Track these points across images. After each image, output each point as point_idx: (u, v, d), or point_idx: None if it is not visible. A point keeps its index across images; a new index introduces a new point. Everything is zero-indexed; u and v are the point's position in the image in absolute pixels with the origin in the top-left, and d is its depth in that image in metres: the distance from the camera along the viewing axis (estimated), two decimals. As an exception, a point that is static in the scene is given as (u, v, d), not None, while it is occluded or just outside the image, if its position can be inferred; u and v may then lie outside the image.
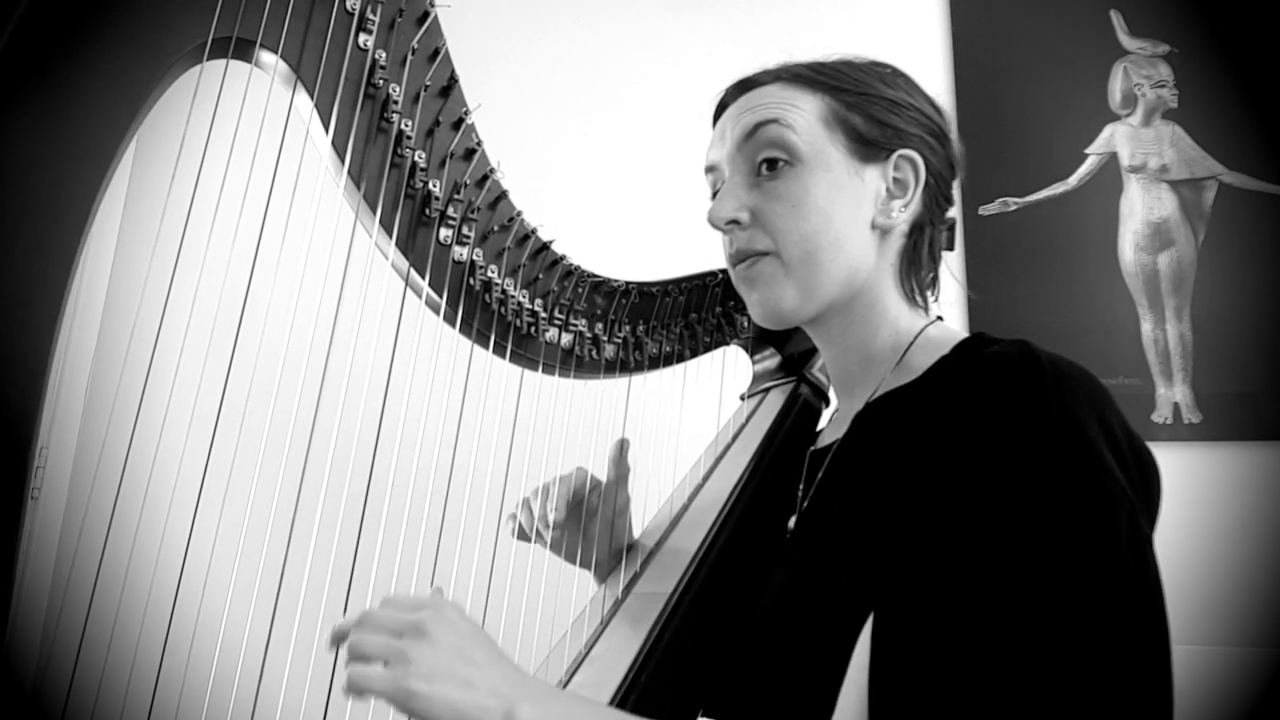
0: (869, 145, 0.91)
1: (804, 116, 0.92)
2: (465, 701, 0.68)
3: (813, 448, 1.02)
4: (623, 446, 1.12)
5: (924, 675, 0.65)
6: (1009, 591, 0.64)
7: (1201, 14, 1.96)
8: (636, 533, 1.14)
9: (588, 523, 1.12)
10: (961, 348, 0.84)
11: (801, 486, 0.97)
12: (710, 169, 0.99)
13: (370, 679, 0.69)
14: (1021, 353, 0.74)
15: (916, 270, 0.96)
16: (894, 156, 0.92)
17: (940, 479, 0.71)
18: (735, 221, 0.93)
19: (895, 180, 0.92)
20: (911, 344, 0.92)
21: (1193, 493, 1.69)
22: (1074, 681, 0.62)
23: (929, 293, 0.99)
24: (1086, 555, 0.65)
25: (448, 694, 0.68)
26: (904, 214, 0.92)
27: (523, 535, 1.12)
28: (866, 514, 0.79)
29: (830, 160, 0.91)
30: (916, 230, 0.95)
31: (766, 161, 0.92)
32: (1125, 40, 1.98)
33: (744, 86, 0.98)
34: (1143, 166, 1.92)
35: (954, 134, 0.98)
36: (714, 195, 1.01)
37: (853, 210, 0.91)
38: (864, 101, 0.92)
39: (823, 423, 1.11)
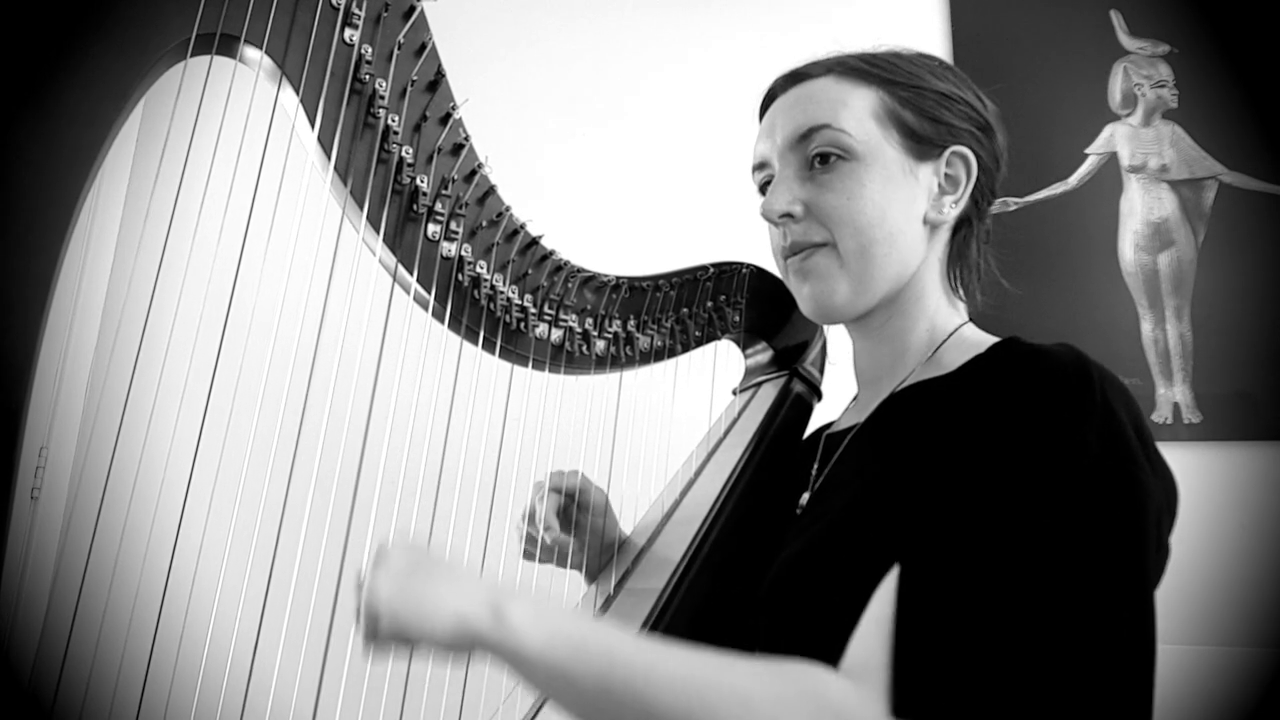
0: (922, 142, 0.91)
1: (856, 115, 0.91)
2: (437, 601, 0.67)
3: (829, 431, 1.02)
4: (564, 477, 1.13)
5: (948, 633, 0.66)
6: (1042, 568, 0.66)
7: (1201, 14, 1.95)
8: (628, 528, 1.14)
9: (576, 534, 1.12)
10: (1000, 347, 0.85)
11: (816, 466, 0.98)
12: (760, 165, 0.99)
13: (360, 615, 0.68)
14: (1072, 352, 0.76)
15: (964, 265, 0.97)
16: (947, 153, 0.92)
17: (982, 455, 0.73)
18: (789, 215, 0.93)
19: (947, 176, 0.92)
20: (946, 340, 0.93)
21: (1193, 493, 1.65)
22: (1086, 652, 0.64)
23: (972, 285, 0.99)
24: (1119, 536, 0.68)
25: (416, 595, 0.68)
26: (955, 210, 0.93)
27: (531, 558, 1.13)
28: (893, 483, 0.80)
29: (885, 157, 0.91)
30: (964, 225, 0.96)
31: (819, 155, 0.92)
32: (1125, 40, 1.97)
33: (794, 79, 0.97)
34: (1143, 166, 1.91)
35: (1000, 127, 0.97)
36: (761, 190, 1.01)
37: (907, 206, 0.91)
38: (916, 96, 0.92)
39: (833, 412, 1.11)
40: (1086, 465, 0.69)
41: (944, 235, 0.95)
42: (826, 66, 0.95)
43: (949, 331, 0.94)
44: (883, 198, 0.90)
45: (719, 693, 0.64)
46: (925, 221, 0.92)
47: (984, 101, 0.97)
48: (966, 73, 0.98)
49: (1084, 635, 0.64)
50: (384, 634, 0.67)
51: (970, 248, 0.97)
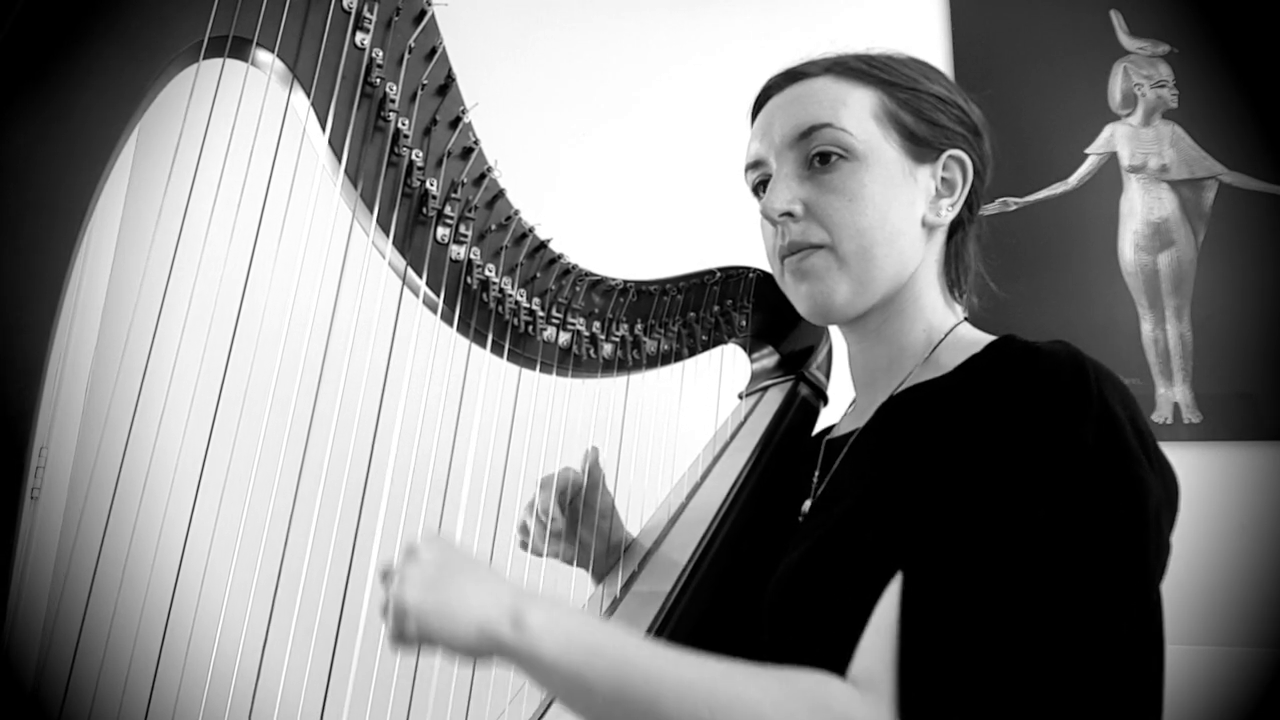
0: (921, 145, 0.92)
1: (857, 115, 0.91)
2: (462, 607, 0.69)
3: (829, 436, 1.02)
4: (592, 455, 1.12)
5: (954, 639, 0.66)
6: (1044, 568, 0.66)
7: (1201, 14, 1.95)
8: (634, 531, 1.14)
9: (579, 528, 1.12)
10: (995, 346, 0.85)
11: (817, 473, 0.98)
12: (755, 164, 0.98)
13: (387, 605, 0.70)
14: (1067, 350, 0.77)
15: (961, 266, 0.98)
16: (944, 156, 0.93)
17: (980, 456, 0.73)
18: (789, 214, 0.92)
19: (944, 180, 0.93)
20: (942, 340, 0.93)
21: (1193, 493, 1.66)
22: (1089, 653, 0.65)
23: (968, 286, 1.00)
24: (1120, 534, 0.68)
25: (443, 600, 0.69)
26: (951, 212, 0.93)
27: (535, 551, 1.12)
28: (894, 487, 0.80)
29: (886, 158, 0.91)
30: (958, 228, 0.97)
31: (819, 155, 0.91)
32: (1125, 40, 1.98)
33: (791, 77, 0.96)
34: (1143, 166, 1.92)
35: (987, 132, 0.98)
36: (754, 190, 1.01)
37: (907, 208, 0.91)
38: (914, 98, 0.92)
39: (836, 416, 1.11)
40: (1084, 464, 0.69)
41: (939, 237, 0.96)
42: (824, 66, 0.95)
43: (945, 331, 0.94)
44: (884, 199, 0.90)
45: (729, 701, 0.65)
46: (923, 224, 0.93)
47: (972, 106, 0.98)
48: (967, 74, 0.99)
49: (1089, 636, 0.65)
50: (410, 636, 0.69)
51: (967, 249, 0.98)
